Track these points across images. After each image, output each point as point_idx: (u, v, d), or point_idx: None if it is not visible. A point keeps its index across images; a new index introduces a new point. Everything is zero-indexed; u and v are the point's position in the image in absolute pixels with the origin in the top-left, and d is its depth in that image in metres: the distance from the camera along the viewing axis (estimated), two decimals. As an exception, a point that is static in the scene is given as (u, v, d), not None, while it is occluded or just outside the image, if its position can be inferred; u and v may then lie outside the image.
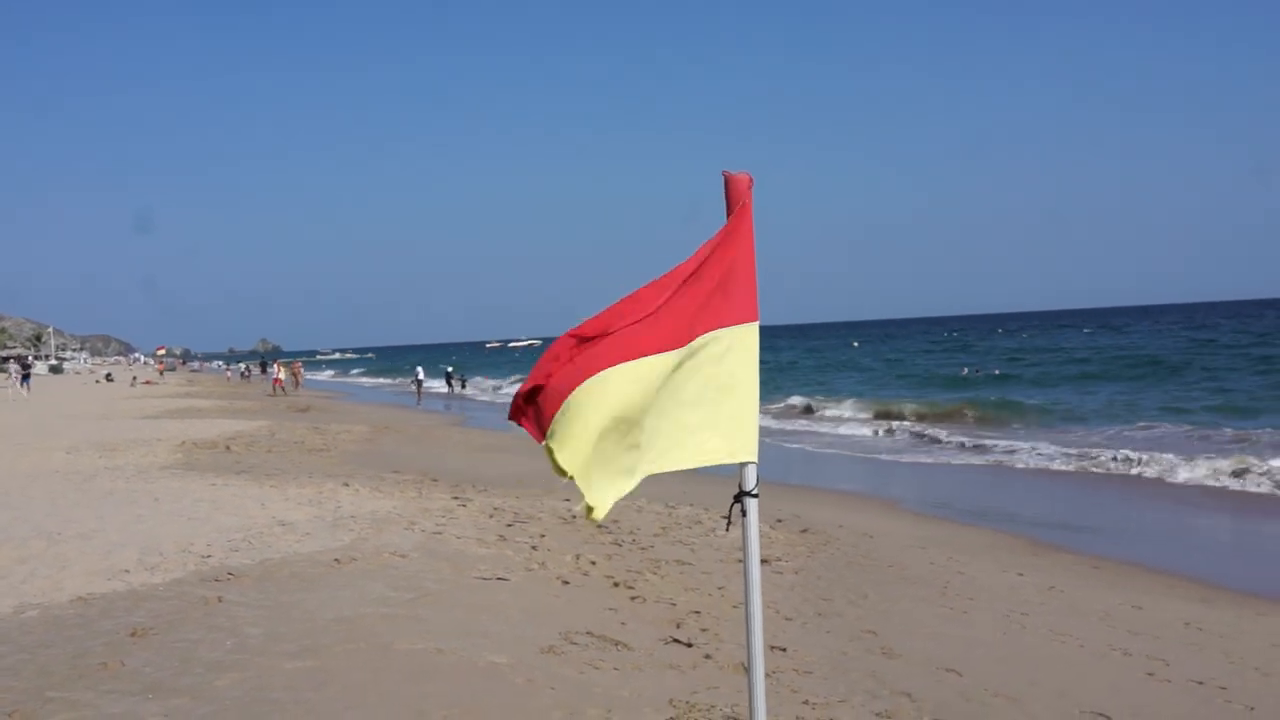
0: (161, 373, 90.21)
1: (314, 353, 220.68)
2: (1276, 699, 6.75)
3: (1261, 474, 17.51)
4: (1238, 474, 17.80)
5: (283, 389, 55.36)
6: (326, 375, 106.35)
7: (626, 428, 2.90)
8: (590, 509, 2.88)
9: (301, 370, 68.72)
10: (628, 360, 2.85)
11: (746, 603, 3.23)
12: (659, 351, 2.90)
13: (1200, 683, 6.97)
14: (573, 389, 2.81)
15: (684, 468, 3.08)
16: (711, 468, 3.19)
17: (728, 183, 3.08)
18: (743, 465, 3.18)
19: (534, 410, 2.86)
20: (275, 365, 66.96)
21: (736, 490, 3.20)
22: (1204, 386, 39.00)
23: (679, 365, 2.97)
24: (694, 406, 3.04)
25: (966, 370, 55.87)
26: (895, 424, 31.01)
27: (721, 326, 3.04)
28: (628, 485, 2.96)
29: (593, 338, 2.84)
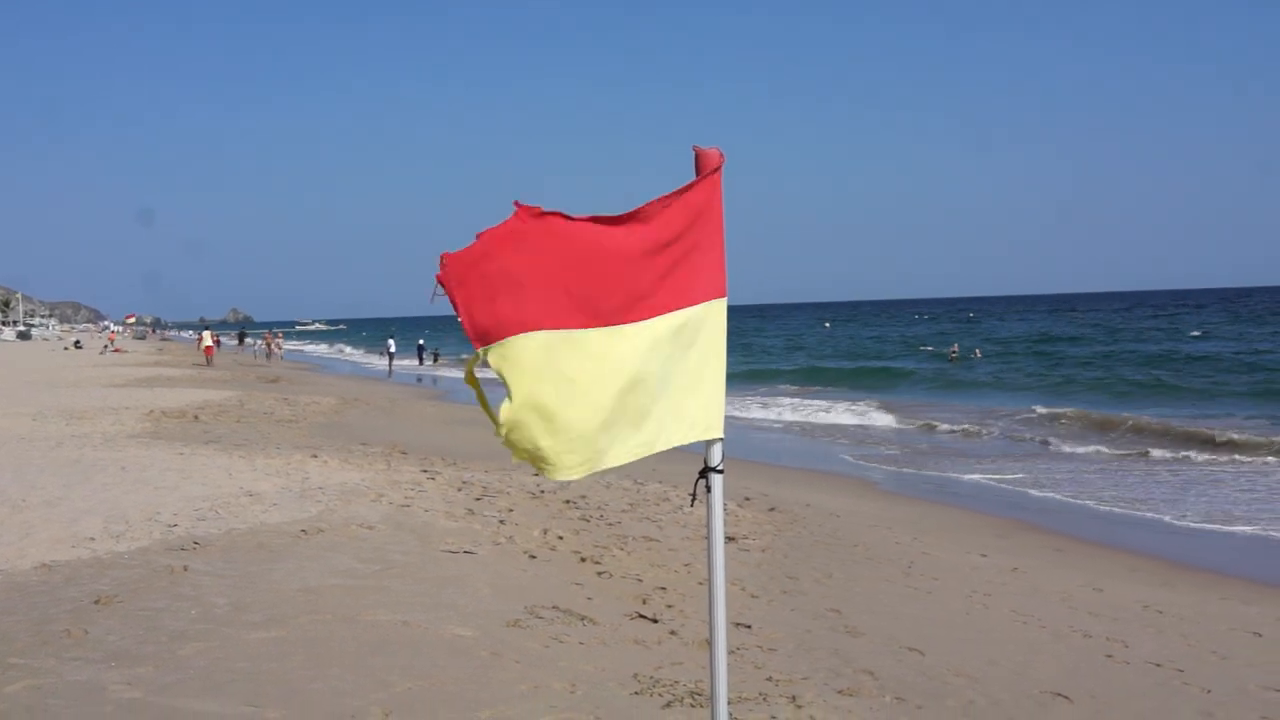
0: (113, 340, 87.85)
1: (293, 323, 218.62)
2: (1233, 682, 6.85)
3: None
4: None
5: (209, 360, 50.87)
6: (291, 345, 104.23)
7: (606, 400, 2.89)
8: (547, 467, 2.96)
9: (277, 341, 67.47)
10: (590, 327, 2.84)
11: (710, 579, 3.25)
12: (625, 322, 2.89)
13: (1158, 665, 7.08)
14: (533, 327, 2.76)
15: (656, 450, 3.07)
16: (681, 444, 3.20)
17: (698, 158, 3.07)
18: (709, 442, 3.19)
19: (481, 297, 2.72)
20: (205, 333, 59.57)
21: (703, 467, 3.22)
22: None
23: (647, 341, 2.95)
24: (664, 384, 3.03)
25: (956, 348, 56.15)
26: (871, 408, 31.15)
27: (691, 303, 3.04)
28: (599, 462, 2.96)
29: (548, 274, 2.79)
